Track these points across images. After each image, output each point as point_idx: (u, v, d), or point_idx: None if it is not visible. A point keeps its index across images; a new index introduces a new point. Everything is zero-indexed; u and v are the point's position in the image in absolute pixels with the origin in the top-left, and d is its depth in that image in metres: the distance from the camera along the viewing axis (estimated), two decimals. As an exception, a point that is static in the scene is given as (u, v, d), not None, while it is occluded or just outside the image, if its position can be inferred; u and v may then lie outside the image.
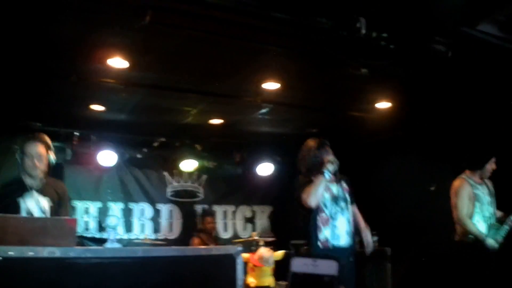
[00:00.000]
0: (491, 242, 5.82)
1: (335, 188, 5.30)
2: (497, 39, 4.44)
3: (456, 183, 6.12)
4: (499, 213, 6.12)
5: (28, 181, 4.84)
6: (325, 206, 5.20)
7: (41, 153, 4.90)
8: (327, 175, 5.10)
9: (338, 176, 5.34)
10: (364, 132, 8.81)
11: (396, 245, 7.84)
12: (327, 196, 5.22)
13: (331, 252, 5.07)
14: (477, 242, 5.83)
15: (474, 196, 5.98)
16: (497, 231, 5.89)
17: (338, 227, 5.19)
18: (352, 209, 5.44)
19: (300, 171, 5.48)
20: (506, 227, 5.89)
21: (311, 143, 5.47)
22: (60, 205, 4.91)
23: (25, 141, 4.93)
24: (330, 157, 5.25)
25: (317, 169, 5.22)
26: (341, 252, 5.07)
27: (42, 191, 4.82)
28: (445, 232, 6.27)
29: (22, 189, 4.77)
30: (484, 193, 6.05)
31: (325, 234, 5.15)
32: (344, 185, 5.43)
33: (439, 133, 7.86)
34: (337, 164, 5.20)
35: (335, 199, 5.25)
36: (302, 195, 5.13)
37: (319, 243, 5.15)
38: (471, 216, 5.94)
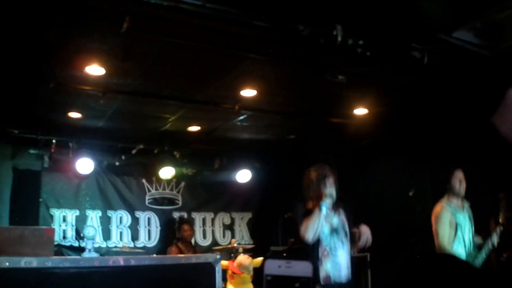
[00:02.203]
0: None
1: (335, 221, 5.20)
2: (473, 46, 4.49)
3: (437, 209, 5.91)
4: (477, 238, 5.93)
5: None
6: (324, 239, 5.10)
7: None
8: (324, 209, 5.00)
9: (336, 205, 5.25)
10: (343, 138, 8.85)
11: (375, 251, 7.86)
12: (326, 229, 5.12)
13: None
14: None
15: (455, 223, 5.78)
16: (475, 260, 5.78)
17: (339, 262, 5.09)
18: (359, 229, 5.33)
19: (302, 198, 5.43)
20: (483, 255, 5.75)
21: (312, 174, 5.36)
22: None
23: None
24: (327, 190, 5.12)
25: (315, 199, 5.16)
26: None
27: None
28: (425, 238, 6.28)
29: None
30: (465, 219, 5.87)
31: (326, 269, 5.03)
32: (342, 216, 5.31)
33: (417, 138, 7.92)
34: (334, 197, 5.13)
35: (335, 231, 5.16)
36: (300, 228, 5.04)
37: (321, 281, 5.01)
38: (451, 243, 5.76)
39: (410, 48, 4.56)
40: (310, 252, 5.11)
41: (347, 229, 5.29)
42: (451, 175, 5.90)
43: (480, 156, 6.63)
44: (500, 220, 5.76)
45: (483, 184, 6.39)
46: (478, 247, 5.84)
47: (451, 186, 5.87)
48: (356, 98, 6.97)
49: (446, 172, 5.99)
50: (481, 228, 5.96)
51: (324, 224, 5.11)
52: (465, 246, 5.81)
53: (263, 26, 4.23)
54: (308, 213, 5.14)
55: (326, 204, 5.02)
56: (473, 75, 5.53)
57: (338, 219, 5.24)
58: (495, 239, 5.70)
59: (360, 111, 7.54)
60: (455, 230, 5.79)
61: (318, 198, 5.12)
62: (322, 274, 5.03)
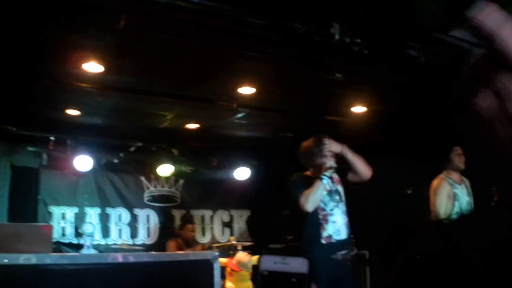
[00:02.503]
0: None
1: (327, 182, 5.23)
2: (469, 44, 4.50)
3: (435, 182, 6.03)
4: None
5: None
6: (324, 203, 5.18)
7: None
8: (325, 180, 5.08)
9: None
10: (340, 136, 8.84)
11: (374, 249, 7.88)
12: (324, 192, 5.18)
13: (334, 246, 5.08)
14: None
15: (453, 195, 5.89)
16: None
17: (337, 221, 5.17)
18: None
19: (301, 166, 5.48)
20: None
21: (309, 142, 5.50)
22: None
23: None
24: (328, 162, 5.21)
25: (315, 168, 5.25)
26: (342, 245, 5.13)
27: None
28: (424, 236, 6.29)
29: None
30: (463, 193, 5.97)
31: (327, 230, 5.12)
32: (335, 176, 5.37)
33: (415, 137, 7.92)
34: (334, 167, 5.19)
35: (330, 194, 5.23)
36: (300, 199, 5.07)
37: (322, 240, 5.10)
38: (449, 216, 5.87)
39: (407, 47, 4.57)
40: (311, 217, 5.17)
41: (341, 190, 5.37)
42: (450, 149, 6.02)
43: (474, 154, 6.66)
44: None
45: (476, 182, 6.42)
46: None
47: (451, 159, 6.00)
48: (354, 96, 6.98)
49: (444, 147, 6.09)
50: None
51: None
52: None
53: (260, 24, 4.24)
54: (307, 180, 5.23)
55: (326, 176, 5.09)
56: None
57: (331, 182, 5.30)
58: None
59: (358, 109, 7.55)
60: (453, 202, 5.89)
61: (319, 168, 5.20)
62: (324, 235, 5.12)
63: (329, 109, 7.67)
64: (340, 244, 5.13)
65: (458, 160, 6.00)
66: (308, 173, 5.41)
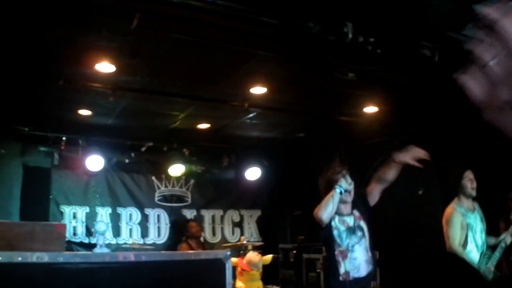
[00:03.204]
0: (484, 271, 5.58)
1: (349, 220, 5.24)
2: (483, 44, 4.46)
3: (447, 212, 5.89)
4: (490, 239, 5.90)
5: None
6: (341, 239, 5.14)
7: None
8: (339, 189, 5.04)
9: (351, 206, 5.29)
10: (352, 136, 8.84)
11: (384, 249, 7.85)
12: (342, 228, 5.17)
13: (352, 283, 5.06)
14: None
15: (466, 225, 5.74)
16: (489, 259, 5.74)
17: (357, 258, 5.13)
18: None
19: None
20: (497, 254, 5.69)
21: (328, 172, 5.42)
22: None
23: None
24: (344, 176, 5.16)
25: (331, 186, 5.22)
26: (361, 282, 5.11)
27: None
28: (433, 237, 6.26)
29: None
30: (476, 221, 5.82)
31: (345, 267, 5.09)
32: (356, 213, 5.33)
33: (427, 137, 7.88)
34: (349, 183, 5.14)
35: (351, 230, 5.19)
36: (314, 211, 5.11)
37: (340, 277, 5.09)
38: (464, 245, 5.72)
39: (420, 46, 4.55)
40: (328, 255, 5.20)
41: (364, 226, 5.31)
42: (462, 176, 5.87)
43: (489, 156, 6.60)
44: None
45: (492, 184, 6.36)
46: (492, 248, 5.81)
47: (463, 187, 5.84)
48: (366, 96, 6.96)
49: (456, 173, 5.98)
50: (492, 228, 5.94)
51: (340, 225, 5.15)
52: (477, 247, 5.77)
53: (273, 23, 4.23)
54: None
55: (341, 186, 5.05)
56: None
57: (353, 218, 5.27)
58: (508, 239, 5.69)
59: (370, 109, 7.53)
60: (466, 232, 5.75)
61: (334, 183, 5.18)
62: (341, 271, 5.09)
63: (341, 109, 7.65)
64: (358, 282, 5.10)
65: (470, 186, 5.85)
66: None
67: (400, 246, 7.96)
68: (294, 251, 9.18)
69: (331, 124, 8.33)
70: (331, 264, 5.19)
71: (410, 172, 8.04)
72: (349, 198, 5.20)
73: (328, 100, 7.20)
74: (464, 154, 6.88)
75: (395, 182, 8.32)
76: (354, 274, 5.11)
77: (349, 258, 5.12)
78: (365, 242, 5.26)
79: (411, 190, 7.97)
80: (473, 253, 5.74)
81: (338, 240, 5.14)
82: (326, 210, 5.04)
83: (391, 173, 5.48)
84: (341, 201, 5.15)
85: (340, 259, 5.12)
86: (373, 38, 4.36)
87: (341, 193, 5.06)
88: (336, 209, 5.09)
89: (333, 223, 5.12)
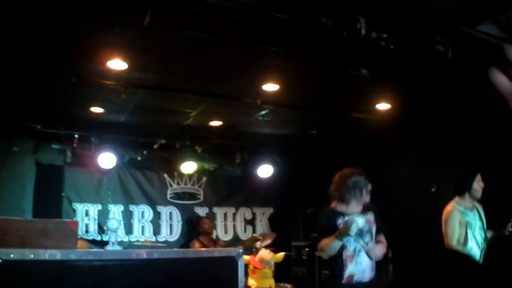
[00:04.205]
0: None
1: (361, 222, 5.19)
2: (497, 40, 4.43)
3: (446, 210, 5.97)
4: (489, 233, 5.96)
5: None
6: (350, 243, 5.12)
7: None
8: (343, 240, 5.02)
9: (367, 206, 5.28)
10: (365, 133, 8.81)
11: (397, 247, 7.82)
12: (352, 233, 5.10)
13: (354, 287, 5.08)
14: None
15: (465, 223, 5.81)
16: None
17: (362, 262, 5.13)
18: (378, 238, 5.35)
19: (330, 197, 5.45)
20: None
21: (344, 174, 5.38)
22: None
23: None
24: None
25: (347, 195, 5.22)
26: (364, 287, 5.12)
27: None
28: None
29: None
30: (475, 219, 5.88)
31: (350, 270, 5.10)
32: (370, 217, 5.31)
33: (440, 134, 7.84)
34: (357, 223, 5.09)
35: (361, 233, 5.16)
36: (318, 246, 5.16)
37: (343, 280, 5.10)
38: (464, 244, 5.79)
39: (434, 42, 4.51)
40: (335, 257, 5.17)
41: (373, 231, 5.29)
42: (474, 177, 5.94)
43: (497, 151, 6.60)
44: None
45: (499, 182, 6.36)
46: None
47: (473, 187, 5.92)
48: (379, 93, 6.92)
49: (468, 174, 6.01)
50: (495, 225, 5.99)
51: (350, 232, 5.09)
52: (478, 244, 5.84)
53: (285, 19, 4.20)
54: (331, 215, 5.22)
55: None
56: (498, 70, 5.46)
57: (364, 220, 5.24)
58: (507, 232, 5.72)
59: (383, 106, 7.49)
60: (466, 229, 5.82)
61: (350, 197, 5.20)
62: (345, 274, 5.09)
63: (353, 106, 7.62)
64: (362, 287, 5.11)
65: (479, 189, 5.94)
66: (332, 205, 5.35)
67: (413, 244, 7.93)
68: (307, 249, 9.15)
69: (344, 120, 8.30)
70: (337, 266, 5.16)
71: (424, 170, 8.03)
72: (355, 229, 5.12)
73: (340, 96, 7.18)
74: (478, 155, 6.86)
75: (408, 179, 8.31)
76: (358, 278, 5.11)
77: (355, 262, 5.12)
78: (371, 247, 5.24)
79: (424, 187, 7.93)
80: (473, 250, 5.80)
81: (346, 243, 5.13)
82: (329, 254, 5.13)
83: None
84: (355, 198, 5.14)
85: (347, 262, 5.12)
86: (386, 34, 4.33)
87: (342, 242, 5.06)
88: (336, 251, 5.10)
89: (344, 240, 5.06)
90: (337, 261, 5.13)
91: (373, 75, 5.61)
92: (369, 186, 5.33)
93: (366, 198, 5.30)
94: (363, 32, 4.45)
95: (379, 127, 8.29)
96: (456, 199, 5.99)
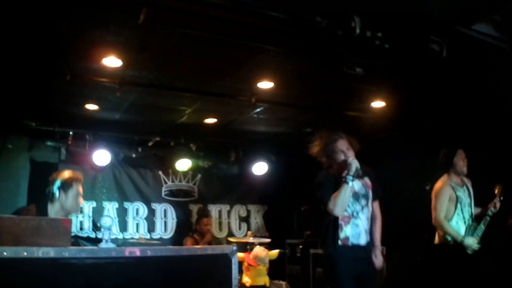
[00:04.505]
0: (469, 242, 5.76)
1: (357, 185, 5.19)
2: (492, 39, 4.44)
3: (437, 185, 6.09)
4: (476, 210, 6.09)
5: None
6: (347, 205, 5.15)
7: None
8: (350, 182, 5.00)
9: (362, 170, 5.22)
10: (360, 131, 8.80)
11: (391, 244, 7.83)
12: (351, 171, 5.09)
13: (350, 250, 5.06)
14: (456, 244, 5.78)
15: (456, 198, 5.93)
16: (475, 231, 5.87)
17: (358, 225, 5.13)
18: (373, 205, 5.38)
19: (322, 164, 5.45)
20: (482, 226, 5.87)
21: (324, 135, 5.49)
22: None
23: (73, 180, 5.01)
24: (349, 159, 5.13)
25: (339, 167, 5.20)
26: (359, 250, 5.10)
27: None
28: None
29: None
30: (465, 195, 6.01)
31: (346, 232, 5.09)
32: (367, 181, 5.33)
33: (435, 132, 7.86)
34: (357, 163, 5.08)
35: (357, 196, 5.17)
36: (329, 204, 5.05)
37: (339, 241, 5.07)
38: (450, 218, 5.92)
39: (428, 41, 4.52)
40: (328, 220, 5.18)
41: (370, 195, 5.31)
42: (454, 153, 6.09)
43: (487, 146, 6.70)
44: (496, 191, 6.04)
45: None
46: (477, 219, 6.01)
47: (454, 164, 6.07)
48: (374, 91, 6.93)
49: (448, 150, 6.17)
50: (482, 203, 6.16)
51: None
52: (464, 219, 5.95)
53: (280, 17, 4.21)
54: (333, 179, 5.18)
55: (351, 175, 5.01)
56: (492, 69, 5.48)
57: (361, 184, 5.26)
58: (490, 212, 5.93)
59: (377, 104, 7.50)
60: (455, 204, 5.95)
61: (342, 166, 5.15)
62: (341, 236, 5.09)
63: (348, 104, 7.63)
64: (356, 249, 5.10)
65: (462, 164, 6.09)
66: (332, 170, 5.33)
67: (407, 241, 7.94)
68: (301, 246, 9.17)
69: (339, 119, 8.30)
70: (330, 228, 5.15)
71: (418, 168, 8.05)
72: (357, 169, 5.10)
73: (335, 94, 7.18)
74: (457, 134, 6.97)
75: (402, 177, 8.33)
76: (353, 240, 5.10)
77: (351, 224, 5.12)
78: (367, 212, 5.26)
79: (419, 186, 7.95)
80: (459, 225, 5.93)
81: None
82: (342, 206, 5.04)
83: None
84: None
85: (342, 223, 5.10)
86: (381, 33, 4.33)
87: (352, 180, 5.03)
88: (348, 201, 5.08)
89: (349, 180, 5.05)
90: (333, 223, 5.13)
91: (368, 73, 5.61)
92: (348, 146, 5.34)
93: (350, 153, 5.27)
94: (357, 31, 4.47)
95: (374, 125, 8.30)
96: (445, 176, 6.11)
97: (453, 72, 5.64)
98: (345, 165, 5.12)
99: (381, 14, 4.28)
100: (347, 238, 5.09)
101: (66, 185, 4.99)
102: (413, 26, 4.40)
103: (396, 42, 4.43)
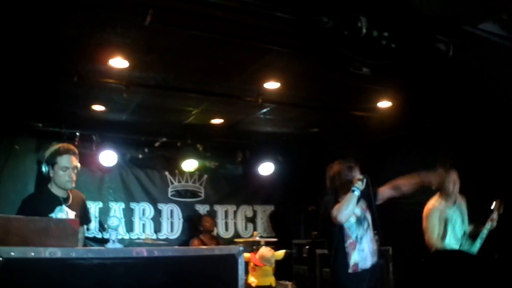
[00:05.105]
0: None
1: (358, 210, 5.32)
2: (499, 38, 4.43)
3: (428, 206, 6.06)
4: (470, 227, 6.03)
5: (60, 195, 4.81)
6: (351, 231, 5.25)
7: (77, 166, 4.88)
8: (357, 192, 5.09)
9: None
10: (366, 131, 8.80)
11: (397, 244, 7.82)
12: (352, 220, 5.26)
13: (359, 275, 5.14)
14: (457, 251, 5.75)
15: (445, 218, 5.88)
16: (470, 249, 5.80)
17: (364, 249, 5.24)
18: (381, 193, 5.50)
19: (327, 192, 5.51)
20: (477, 244, 5.78)
21: (338, 166, 5.52)
22: (83, 216, 4.91)
23: (56, 154, 4.83)
24: (360, 175, 5.26)
25: (346, 188, 5.27)
26: (366, 274, 5.18)
27: (70, 204, 4.80)
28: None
29: (54, 204, 4.72)
30: (456, 214, 5.95)
31: (354, 259, 5.19)
32: (363, 204, 5.41)
33: (441, 132, 7.84)
34: (366, 181, 5.17)
35: (359, 221, 5.29)
36: (332, 212, 5.13)
37: (349, 269, 5.17)
38: (443, 238, 5.86)
39: (435, 40, 4.51)
40: (336, 244, 5.21)
41: (369, 218, 5.40)
42: (445, 176, 5.96)
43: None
44: (493, 207, 5.91)
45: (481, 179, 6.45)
46: (472, 236, 5.93)
47: (445, 187, 5.97)
48: (380, 91, 6.92)
49: (440, 173, 6.02)
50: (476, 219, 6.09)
51: (351, 217, 5.21)
52: (456, 239, 5.90)
53: (287, 18, 4.21)
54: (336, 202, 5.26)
55: (358, 188, 5.09)
56: (499, 68, 5.46)
57: (360, 209, 5.36)
58: (487, 228, 5.80)
59: (384, 104, 7.48)
60: (445, 225, 5.88)
61: (349, 185, 5.22)
62: (351, 263, 5.17)
63: (355, 104, 7.62)
64: (365, 273, 5.18)
65: (453, 188, 5.99)
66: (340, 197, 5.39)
67: (413, 242, 7.92)
68: (308, 247, 9.16)
69: (345, 119, 8.30)
70: (340, 257, 5.23)
71: (424, 168, 8.02)
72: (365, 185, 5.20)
73: (342, 95, 7.17)
74: (463, 134, 6.95)
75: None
76: (362, 265, 5.21)
77: (357, 250, 5.21)
78: (370, 233, 5.36)
79: (425, 185, 7.93)
80: (452, 245, 5.86)
81: (348, 231, 5.24)
82: (346, 212, 5.09)
83: (409, 188, 5.50)
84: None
85: (350, 250, 5.20)
86: (388, 33, 4.32)
87: (358, 193, 5.11)
88: (353, 210, 5.13)
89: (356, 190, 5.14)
90: (341, 249, 5.21)
91: (375, 73, 5.60)
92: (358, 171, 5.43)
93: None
94: (364, 31, 4.46)
95: (380, 125, 8.29)
96: (437, 195, 6.08)
97: (460, 71, 5.62)
98: (351, 182, 5.22)
99: (388, 14, 4.28)
100: (356, 265, 5.19)
101: (50, 161, 4.87)
102: (419, 26, 4.40)
103: (403, 42, 4.42)
